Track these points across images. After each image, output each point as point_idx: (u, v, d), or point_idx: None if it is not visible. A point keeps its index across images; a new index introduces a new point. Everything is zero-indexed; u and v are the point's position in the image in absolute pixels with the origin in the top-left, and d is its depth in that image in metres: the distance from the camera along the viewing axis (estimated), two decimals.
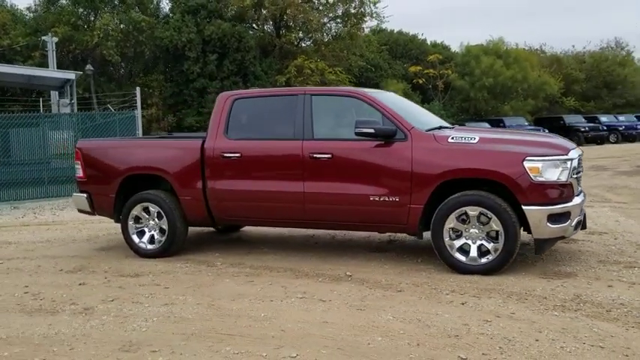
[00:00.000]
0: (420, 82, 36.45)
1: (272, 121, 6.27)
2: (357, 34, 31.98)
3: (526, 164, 5.08)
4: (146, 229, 6.55)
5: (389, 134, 5.48)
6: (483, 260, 5.25)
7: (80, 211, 7.13)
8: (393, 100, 6.20)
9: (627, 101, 46.51)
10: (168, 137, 9.25)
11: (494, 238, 5.23)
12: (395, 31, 41.46)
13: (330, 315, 4.33)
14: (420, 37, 41.49)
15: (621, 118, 37.23)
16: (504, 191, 5.20)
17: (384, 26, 35.76)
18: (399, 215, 5.51)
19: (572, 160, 5.25)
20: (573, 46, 52.82)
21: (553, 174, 5.11)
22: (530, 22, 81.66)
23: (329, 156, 5.70)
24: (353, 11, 31.59)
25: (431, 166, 5.35)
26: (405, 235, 6.80)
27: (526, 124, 33.13)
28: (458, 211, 5.28)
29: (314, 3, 30.59)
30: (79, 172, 6.86)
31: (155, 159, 6.46)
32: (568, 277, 5.14)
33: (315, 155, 5.74)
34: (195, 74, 26.24)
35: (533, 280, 5.06)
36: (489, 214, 5.17)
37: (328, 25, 32.05)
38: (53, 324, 4.36)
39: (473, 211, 5.24)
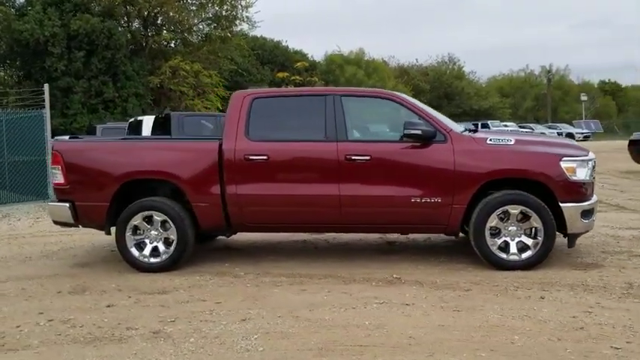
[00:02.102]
0: (289, 88, 36.84)
1: (298, 122, 5.97)
2: (229, 37, 31.45)
3: (562, 164, 5.46)
4: (147, 241, 5.87)
5: (431, 136, 5.53)
6: (524, 256, 5.51)
7: (57, 222, 6.18)
8: (420, 103, 6.27)
9: (464, 110, 51.59)
10: (174, 139, 8.36)
11: (532, 235, 5.52)
12: (260, 36, 41.50)
13: (435, 318, 4.25)
14: (283, 43, 41.96)
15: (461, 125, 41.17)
16: (539, 190, 5.52)
17: (252, 32, 35.51)
18: (440, 216, 5.58)
19: (593, 160, 5.74)
20: (417, 60, 57.04)
21: (583, 173, 5.55)
22: (378, 36, 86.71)
23: (367, 158, 5.59)
24: (225, 14, 31.01)
25: (474, 167, 5.50)
26: (401, 235, 6.95)
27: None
28: (500, 210, 5.50)
29: (187, 2, 29.52)
30: (58, 178, 5.93)
31: (163, 162, 5.82)
32: (596, 267, 5.59)
33: (352, 157, 5.59)
34: (60, 72, 23.84)
35: (572, 272, 5.42)
36: (530, 212, 5.46)
37: (199, 26, 31.11)
38: (139, 353, 3.75)
39: (514, 210, 5.49)
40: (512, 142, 5.64)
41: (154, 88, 27.29)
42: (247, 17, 31.90)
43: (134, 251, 5.83)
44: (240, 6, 31.01)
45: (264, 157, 5.67)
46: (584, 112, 57.47)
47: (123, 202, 5.92)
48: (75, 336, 4.08)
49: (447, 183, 5.51)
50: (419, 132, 5.45)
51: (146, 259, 5.83)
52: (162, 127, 13.25)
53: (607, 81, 73.44)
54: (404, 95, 6.01)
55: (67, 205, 5.88)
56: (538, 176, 5.46)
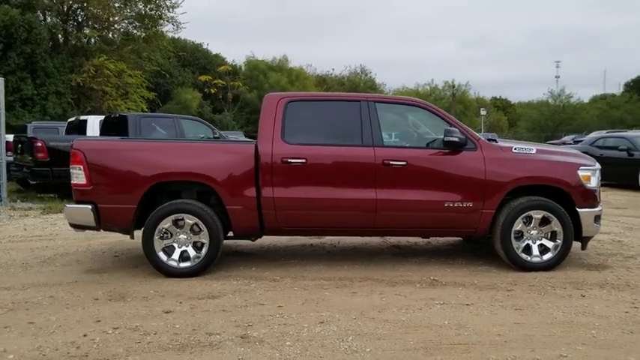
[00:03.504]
0: (213, 91, 36.30)
1: (333, 126, 6.01)
2: (153, 37, 30.48)
3: (580, 173, 5.92)
4: (175, 245, 5.68)
5: (465, 143, 5.80)
6: (545, 257, 5.91)
7: (75, 226, 5.79)
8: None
9: None
10: (207, 141, 7.93)
11: (552, 238, 5.93)
12: (180, 38, 40.49)
13: (505, 316, 4.46)
14: (204, 46, 41.23)
15: None
16: (557, 196, 5.95)
17: (177, 34, 34.58)
18: (471, 220, 5.85)
19: (599, 169, 6.26)
20: (333, 69, 58.18)
21: (595, 181, 6.05)
22: (295, 45, 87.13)
23: (403, 163, 5.76)
24: (151, 13, 30.03)
25: (503, 174, 5.82)
26: (403, 238, 7.19)
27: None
28: (525, 214, 5.86)
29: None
30: (79, 179, 5.58)
31: (198, 164, 5.65)
32: (606, 267, 6.08)
33: (389, 162, 5.74)
34: None
35: (589, 272, 5.87)
36: (551, 216, 5.86)
37: (122, 24, 29.89)
38: (245, 358, 3.66)
39: (537, 215, 5.87)
40: (534, 152, 6.03)
41: (74, 86, 25.86)
42: (172, 18, 31.14)
43: (162, 256, 5.61)
44: (165, 6, 30.19)
45: (303, 161, 5.68)
46: (482, 125, 61.12)
47: (146, 206, 5.70)
48: (160, 343, 3.90)
49: (478, 189, 5.79)
50: (457, 139, 5.70)
51: (175, 264, 5.63)
52: (114, 128, 12.69)
53: (498, 97, 79.14)
54: (431, 104, 6.24)
55: (89, 207, 5.55)
56: (560, 183, 5.88)
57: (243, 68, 41.86)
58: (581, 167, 5.94)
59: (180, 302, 4.84)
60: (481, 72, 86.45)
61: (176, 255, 5.64)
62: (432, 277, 5.63)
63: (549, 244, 5.92)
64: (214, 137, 13.19)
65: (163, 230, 5.61)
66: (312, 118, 6.03)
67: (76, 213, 5.66)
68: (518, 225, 5.85)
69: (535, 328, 4.22)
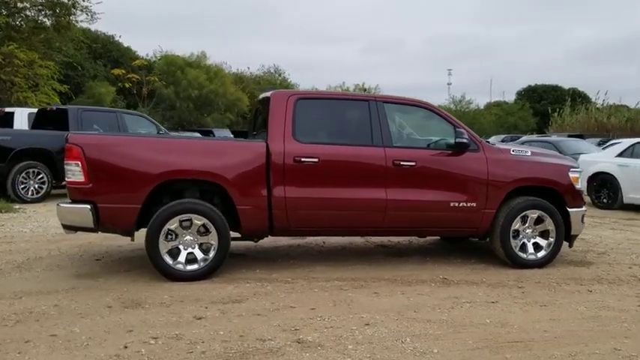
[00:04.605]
0: (127, 86, 34.66)
1: (343, 125, 5.93)
2: (66, 27, 28.65)
3: (570, 174, 6.25)
4: (181, 247, 5.36)
5: (469, 145, 5.94)
6: (539, 255, 6.17)
7: (69, 227, 5.30)
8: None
9: None
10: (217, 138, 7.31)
11: (544, 237, 6.21)
12: (90, 29, 38.30)
13: (536, 313, 4.57)
14: (116, 38, 39.27)
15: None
16: (549, 196, 6.23)
17: (88, 23, 32.63)
18: (474, 219, 6.00)
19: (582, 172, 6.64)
20: (248, 68, 57.39)
21: (581, 183, 6.41)
22: (208, 41, 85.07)
23: (413, 163, 5.80)
24: (63, 0, 28.18)
25: (504, 175, 6.01)
26: (385, 237, 7.30)
27: (231, 135, 34.96)
28: (522, 214, 6.09)
29: None
30: (76, 176, 5.12)
31: (209, 162, 5.36)
32: (589, 264, 6.41)
33: (399, 162, 5.75)
34: None
35: (578, 268, 6.18)
36: (545, 216, 6.13)
37: (32, 11, 27.82)
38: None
39: (533, 214, 6.11)
40: (529, 154, 6.29)
41: None
42: (86, 7, 29.41)
43: (168, 258, 5.28)
44: None
45: (315, 160, 5.56)
46: None
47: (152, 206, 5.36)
48: (216, 352, 3.65)
49: (481, 189, 5.94)
50: (466, 140, 5.82)
51: (181, 267, 5.31)
52: (51, 121, 11.82)
53: None
54: (435, 105, 6.33)
55: (88, 207, 5.11)
56: (554, 184, 6.17)
57: (157, 63, 40.28)
58: (572, 169, 6.27)
59: (206, 307, 4.58)
60: (386, 76, 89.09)
61: (182, 257, 5.32)
62: (441, 276, 5.71)
63: (543, 242, 6.19)
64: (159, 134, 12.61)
65: (168, 231, 5.27)
66: (322, 117, 5.93)
67: (71, 213, 5.19)
68: (516, 224, 6.08)
69: (572, 323, 4.38)
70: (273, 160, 5.48)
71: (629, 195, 11.27)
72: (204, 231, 5.37)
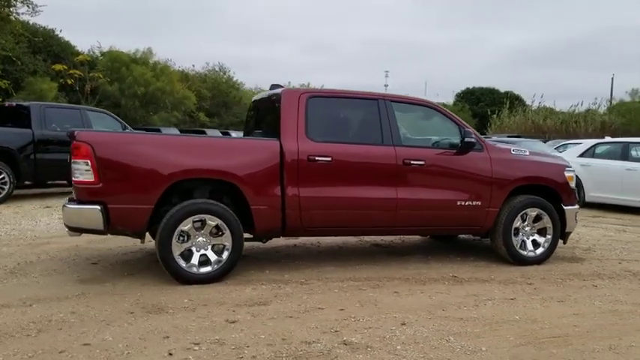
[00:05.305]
0: (69, 82, 33.29)
1: (354, 124, 5.90)
2: (6, 19, 27.20)
3: (566, 173, 6.47)
4: (193, 249, 5.19)
5: (475, 144, 6.04)
6: (538, 252, 6.35)
7: (74, 229, 5.01)
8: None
9: (241, 120, 52.69)
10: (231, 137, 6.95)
11: (541, 234, 6.40)
12: (28, 22, 36.50)
13: (558, 309, 4.70)
14: (57, 33, 37.54)
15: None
16: (545, 195, 6.42)
17: (30, 16, 31.06)
18: (478, 218, 6.10)
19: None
20: (193, 66, 56.27)
21: (574, 182, 6.65)
22: (155, 39, 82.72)
23: (422, 163, 5.84)
24: None
25: (507, 174, 6.14)
26: (381, 237, 7.34)
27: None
28: (523, 212, 6.25)
29: None
30: (86, 176, 4.85)
31: (224, 161, 5.19)
32: (581, 260, 6.68)
33: (409, 162, 5.78)
34: None
35: (573, 264, 6.42)
36: (543, 214, 6.32)
37: None
38: None
39: (532, 212, 6.29)
40: (527, 153, 6.46)
41: None
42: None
43: (181, 261, 5.10)
44: None
45: (328, 159, 5.50)
46: None
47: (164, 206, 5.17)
48: (267, 356, 3.55)
49: (486, 188, 6.06)
50: (474, 140, 5.91)
51: (194, 270, 5.14)
52: (9, 118, 11.18)
53: None
54: (440, 105, 6.40)
55: (98, 207, 4.85)
56: (552, 183, 6.36)
57: (101, 59, 38.83)
58: (567, 169, 6.49)
59: (233, 310, 4.44)
60: (326, 76, 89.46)
61: (195, 259, 5.15)
62: (450, 274, 5.78)
63: (540, 239, 6.38)
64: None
65: (181, 232, 5.09)
66: (333, 115, 5.88)
67: (79, 214, 4.91)
68: (518, 222, 6.23)
69: (595, 317, 4.53)
70: (287, 159, 5.38)
71: (591, 194, 11.81)
72: (216, 232, 5.21)
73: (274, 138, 5.47)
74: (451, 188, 5.96)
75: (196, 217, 5.11)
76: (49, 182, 12.07)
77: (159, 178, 4.98)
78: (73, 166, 4.88)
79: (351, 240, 7.49)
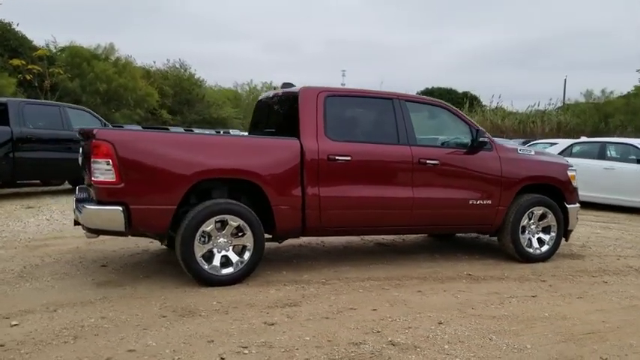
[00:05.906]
0: (28, 78, 32.20)
1: (372, 123, 5.90)
2: None
3: (569, 173, 6.64)
4: (215, 250, 5.09)
5: (487, 144, 6.13)
6: (543, 249, 6.50)
7: (94, 231, 4.83)
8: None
9: (204, 118, 52.11)
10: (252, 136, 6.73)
11: (546, 232, 6.55)
12: None
13: (581, 306, 4.82)
14: (14, 26, 36.18)
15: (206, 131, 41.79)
16: (550, 193, 6.57)
17: None
18: (488, 216, 6.20)
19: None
20: (154, 62, 55.16)
21: (576, 180, 6.83)
22: (115, 34, 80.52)
23: (437, 162, 5.88)
24: None
25: (515, 173, 6.25)
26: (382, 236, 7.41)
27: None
28: (529, 210, 6.38)
29: None
30: (107, 176, 4.68)
31: (247, 160, 5.11)
32: (581, 257, 6.86)
33: (425, 161, 5.82)
34: None
35: (577, 261, 6.59)
36: (548, 212, 6.47)
37: None
38: None
39: (538, 210, 6.43)
40: (533, 153, 6.60)
41: None
42: None
43: (203, 262, 4.99)
44: None
45: (348, 158, 5.49)
46: None
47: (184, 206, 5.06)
48: (321, 359, 3.52)
49: (496, 187, 6.16)
50: (486, 139, 6.00)
51: (216, 271, 5.05)
52: None
53: None
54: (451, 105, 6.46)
55: (120, 208, 4.70)
56: (557, 182, 6.51)
57: (60, 54, 37.64)
58: (569, 168, 6.66)
59: (267, 312, 4.38)
60: (286, 75, 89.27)
61: (216, 261, 5.06)
62: (465, 272, 5.85)
63: (545, 237, 6.52)
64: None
65: (202, 233, 4.99)
66: (350, 114, 5.87)
67: (100, 215, 4.74)
68: (524, 220, 6.36)
69: (619, 313, 4.66)
70: (307, 158, 5.34)
71: None
72: (236, 232, 5.13)
73: (293, 137, 5.41)
74: (464, 187, 6.03)
75: (218, 218, 5.01)
76: (19, 182, 11.58)
77: (182, 177, 4.86)
78: (93, 165, 4.70)
79: (355, 239, 7.49)
